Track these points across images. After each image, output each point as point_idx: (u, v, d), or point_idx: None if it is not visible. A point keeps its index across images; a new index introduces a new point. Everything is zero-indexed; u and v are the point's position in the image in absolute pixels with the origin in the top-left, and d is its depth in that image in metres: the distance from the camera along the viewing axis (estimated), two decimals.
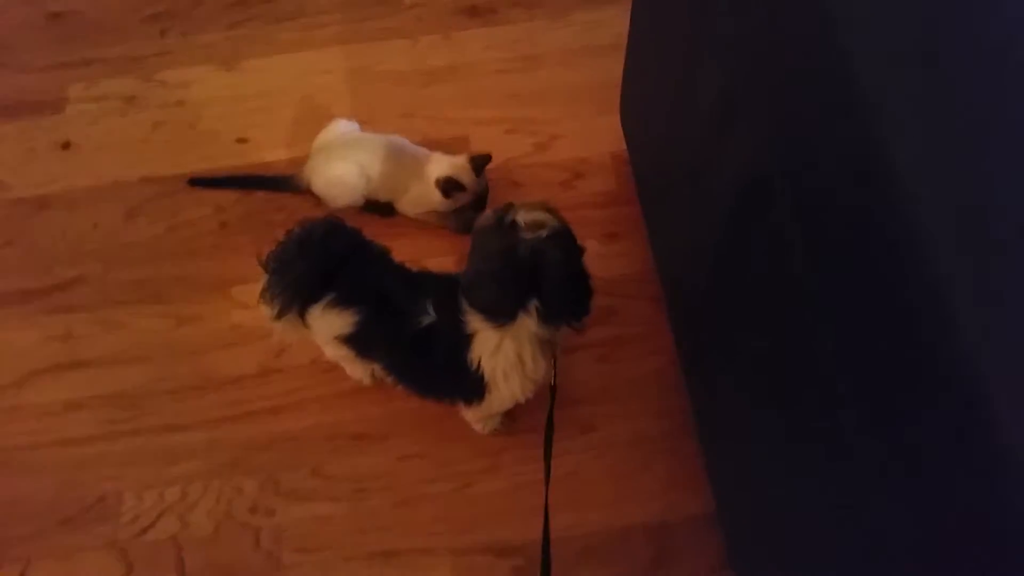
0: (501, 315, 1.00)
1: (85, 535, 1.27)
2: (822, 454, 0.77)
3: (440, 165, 1.42)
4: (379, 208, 1.49)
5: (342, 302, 1.07)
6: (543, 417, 1.10)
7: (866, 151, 0.64)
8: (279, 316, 1.09)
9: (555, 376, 1.11)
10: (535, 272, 0.97)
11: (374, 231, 1.17)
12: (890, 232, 0.62)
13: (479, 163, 1.41)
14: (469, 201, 1.43)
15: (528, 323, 1.00)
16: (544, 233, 0.97)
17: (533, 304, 0.98)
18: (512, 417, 1.29)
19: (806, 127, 0.75)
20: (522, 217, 0.98)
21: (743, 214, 0.90)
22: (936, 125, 0.58)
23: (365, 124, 1.54)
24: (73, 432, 1.34)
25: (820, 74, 0.70)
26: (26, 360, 1.41)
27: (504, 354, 1.04)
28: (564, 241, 1.00)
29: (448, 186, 1.39)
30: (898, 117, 0.61)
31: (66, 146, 1.63)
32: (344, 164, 1.43)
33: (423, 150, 1.47)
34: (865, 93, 0.64)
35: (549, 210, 1.01)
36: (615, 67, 1.42)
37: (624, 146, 1.50)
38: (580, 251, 1.04)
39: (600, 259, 1.06)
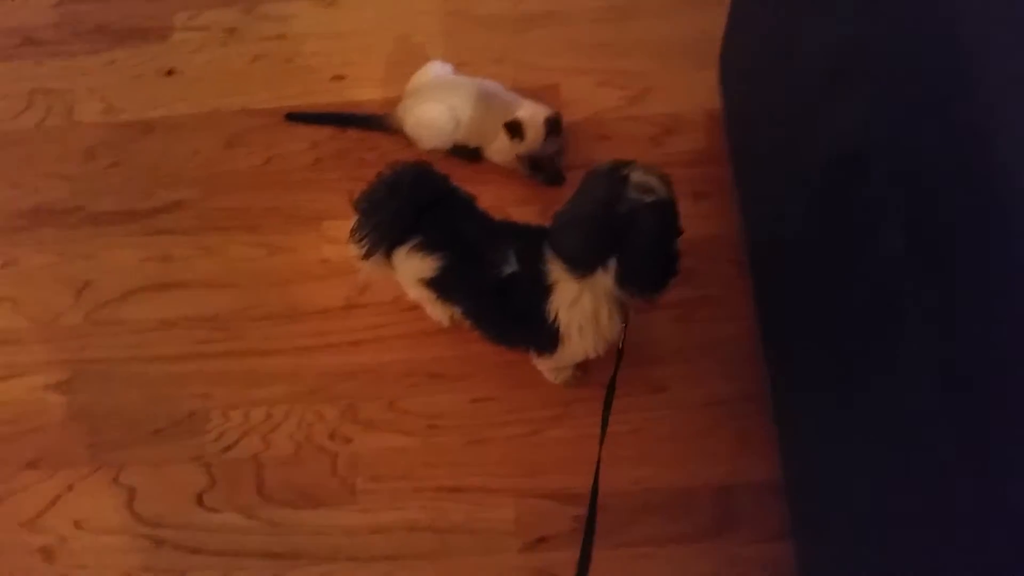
0: (580, 265, 1.01)
1: (174, 447, 1.35)
2: (901, 432, 0.77)
3: (528, 111, 1.41)
4: (466, 153, 1.50)
5: (427, 246, 1.09)
6: None
7: (971, 135, 0.62)
8: (366, 256, 1.12)
9: (623, 340, 1.11)
10: (626, 232, 0.96)
11: (460, 176, 1.18)
12: (987, 220, 0.60)
13: (552, 124, 1.38)
14: (542, 152, 1.41)
15: (605, 280, 1.00)
16: (649, 199, 0.96)
17: (613, 262, 0.98)
18: (584, 369, 1.31)
19: (913, 102, 0.72)
20: (636, 176, 0.97)
21: (841, 182, 0.88)
22: None
23: (459, 67, 1.54)
24: (167, 349, 1.42)
25: (935, 51, 0.68)
26: (127, 278, 1.48)
27: (581, 308, 1.04)
28: (665, 213, 0.99)
29: (512, 127, 1.38)
30: (1008, 109, 0.59)
31: (170, 73, 1.68)
32: (435, 105, 1.44)
33: (515, 96, 1.47)
34: (976, 77, 0.61)
35: (665, 181, 0.99)
36: (715, 20, 1.38)
37: (719, 104, 1.47)
38: (678, 231, 1.02)
39: (684, 219, 1.04)
